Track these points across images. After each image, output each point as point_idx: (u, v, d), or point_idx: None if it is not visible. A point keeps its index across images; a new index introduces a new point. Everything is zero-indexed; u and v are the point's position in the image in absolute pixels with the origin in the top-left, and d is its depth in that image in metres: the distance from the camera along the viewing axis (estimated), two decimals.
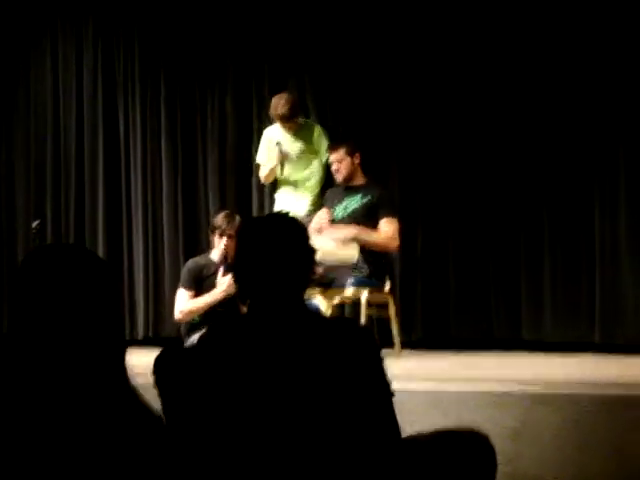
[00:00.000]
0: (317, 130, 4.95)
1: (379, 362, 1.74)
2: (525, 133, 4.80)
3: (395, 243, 4.57)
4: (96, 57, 5.94)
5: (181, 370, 1.74)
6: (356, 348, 1.70)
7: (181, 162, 5.78)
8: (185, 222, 5.75)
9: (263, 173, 5.03)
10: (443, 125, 5.02)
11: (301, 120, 4.96)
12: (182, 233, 5.76)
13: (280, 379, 1.68)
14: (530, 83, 4.76)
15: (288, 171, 4.97)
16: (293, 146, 4.94)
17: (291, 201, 4.95)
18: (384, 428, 1.71)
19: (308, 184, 4.96)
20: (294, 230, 1.78)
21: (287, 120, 4.82)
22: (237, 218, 4.58)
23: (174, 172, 5.80)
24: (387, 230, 4.54)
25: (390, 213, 4.57)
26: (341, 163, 4.66)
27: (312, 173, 4.95)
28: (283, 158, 4.93)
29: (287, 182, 5.01)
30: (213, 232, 4.54)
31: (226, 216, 4.51)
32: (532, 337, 4.69)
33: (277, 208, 4.99)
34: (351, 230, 4.52)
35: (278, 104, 4.81)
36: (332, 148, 4.70)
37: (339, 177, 4.70)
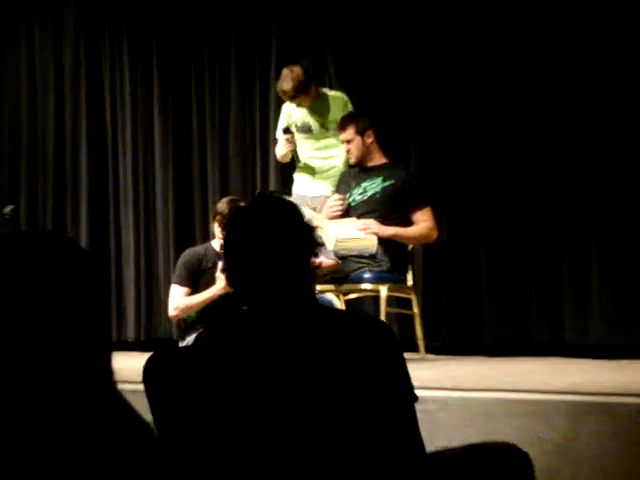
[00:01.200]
0: (340, 100, 4.90)
1: (400, 362, 1.73)
2: (578, 117, 4.75)
3: (436, 234, 4.57)
4: (78, 26, 5.93)
5: (175, 376, 1.73)
6: (374, 346, 1.69)
7: (176, 148, 5.79)
8: (180, 214, 5.76)
9: (278, 152, 5.03)
10: (479, 98, 4.99)
11: (320, 90, 4.93)
12: (176, 225, 5.76)
13: (288, 384, 1.67)
14: (576, 68, 4.75)
15: (308, 149, 4.96)
16: (311, 120, 4.92)
17: (312, 182, 4.94)
18: (405, 438, 1.70)
19: (332, 162, 4.93)
20: (285, 212, 1.75)
21: (291, 98, 4.79)
22: (242, 205, 4.55)
23: (168, 158, 5.81)
24: (425, 220, 4.51)
25: (423, 201, 4.54)
26: (351, 144, 4.62)
27: (334, 147, 4.91)
28: (294, 143, 4.91)
29: (308, 160, 5.00)
30: (214, 219, 4.49)
31: (230, 201, 4.50)
32: (577, 341, 4.67)
33: (296, 190, 4.97)
34: (386, 229, 4.48)
35: (284, 78, 4.79)
36: (340, 126, 4.66)
37: (351, 159, 4.67)
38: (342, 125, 4.65)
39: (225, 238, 1.77)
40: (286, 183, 5.16)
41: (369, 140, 4.62)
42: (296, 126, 4.95)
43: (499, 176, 4.95)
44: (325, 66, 5.35)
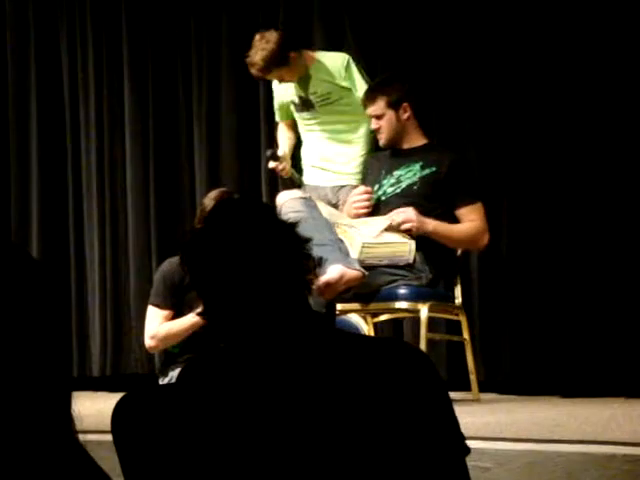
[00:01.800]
0: (339, 60, 4.90)
1: (444, 402, 1.71)
2: None
3: (486, 238, 4.55)
4: None
5: (153, 424, 1.72)
6: (408, 382, 1.67)
7: (155, 128, 5.81)
8: (158, 215, 5.78)
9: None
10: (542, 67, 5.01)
11: (311, 56, 4.91)
12: (155, 228, 5.78)
13: (298, 436, 1.65)
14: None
15: (316, 130, 4.96)
16: (309, 92, 4.92)
17: (327, 170, 4.98)
18: None
19: (350, 144, 4.92)
20: (253, 218, 1.77)
21: (263, 72, 4.78)
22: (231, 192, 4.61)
23: (144, 142, 5.84)
24: (474, 219, 4.49)
25: (473, 195, 4.53)
26: (381, 120, 4.60)
27: (350, 123, 4.91)
28: (286, 169, 4.94)
29: (320, 143, 5.01)
30: (200, 220, 4.52)
31: (218, 195, 4.52)
32: None
33: (308, 181, 5.02)
34: (425, 222, 4.45)
35: (253, 47, 4.77)
36: (367, 97, 4.64)
37: (381, 139, 4.65)
38: (370, 96, 4.64)
39: (187, 266, 1.77)
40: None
41: (405, 115, 4.61)
42: (294, 104, 4.97)
43: (577, 165, 4.95)
44: (342, 32, 5.36)
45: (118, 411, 1.79)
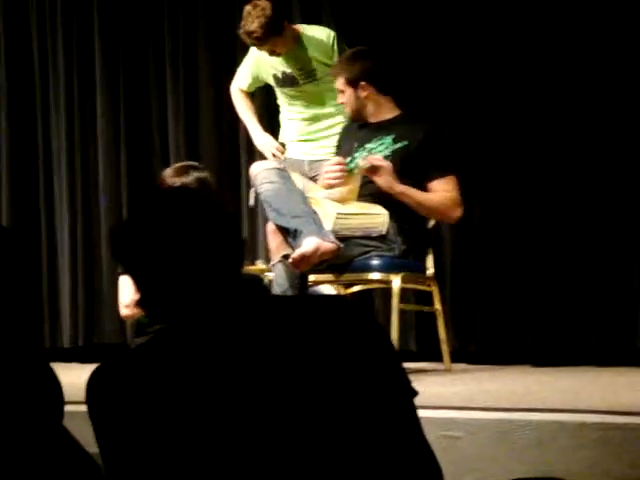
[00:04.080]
0: (324, 34, 4.88)
1: (388, 350, 1.77)
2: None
3: (458, 211, 4.52)
4: None
5: (126, 394, 1.73)
6: (352, 335, 1.73)
7: (127, 100, 5.78)
8: (131, 182, 5.76)
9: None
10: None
11: (297, 30, 4.90)
12: (126, 198, 5.77)
13: (262, 397, 1.69)
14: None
15: (298, 105, 4.94)
16: (293, 68, 4.89)
17: (308, 143, 4.96)
18: (407, 443, 1.73)
19: (331, 118, 4.91)
20: (189, 200, 1.80)
21: (260, 41, 4.76)
22: (195, 175, 4.58)
23: (116, 114, 5.80)
24: (447, 190, 4.48)
25: (446, 167, 4.52)
26: (343, 96, 4.60)
27: (332, 99, 4.89)
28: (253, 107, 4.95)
29: (299, 119, 4.99)
30: None
31: (177, 171, 4.48)
32: None
33: (289, 154, 5.01)
34: (396, 183, 4.45)
35: (247, 17, 4.75)
36: (332, 74, 4.66)
37: (347, 113, 4.67)
38: (334, 70, 4.67)
39: (118, 255, 1.80)
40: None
41: (363, 93, 4.57)
42: (276, 79, 4.94)
43: (550, 136, 4.96)
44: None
45: (93, 381, 1.79)
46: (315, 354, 1.72)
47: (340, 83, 4.59)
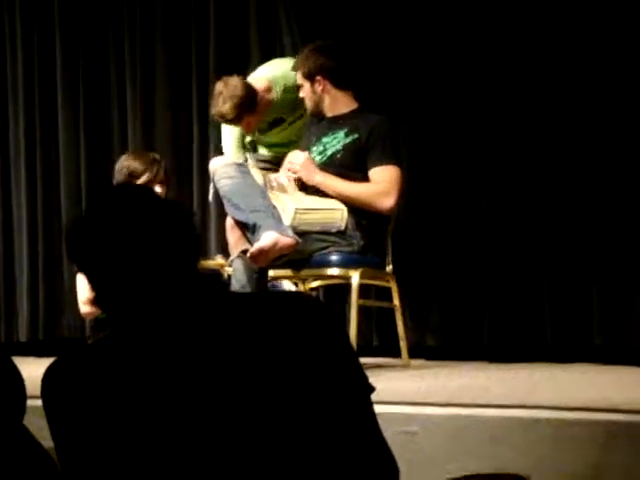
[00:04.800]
0: (283, 78, 4.81)
1: (345, 346, 1.78)
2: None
3: (387, 201, 4.50)
4: None
5: (82, 389, 1.72)
6: (309, 330, 1.74)
7: (86, 95, 5.76)
8: (90, 175, 5.73)
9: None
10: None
11: (263, 97, 4.83)
12: (85, 190, 5.74)
13: (217, 392, 1.69)
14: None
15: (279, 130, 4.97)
16: (280, 111, 4.88)
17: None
18: (364, 439, 1.74)
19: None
20: (141, 199, 1.80)
21: (236, 121, 4.71)
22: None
23: (75, 106, 5.78)
24: (380, 181, 4.49)
25: (384, 157, 4.50)
26: (302, 90, 4.62)
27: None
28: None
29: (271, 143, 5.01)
30: (127, 181, 4.49)
31: (149, 159, 4.49)
32: (607, 343, 4.71)
33: (258, 156, 5.01)
34: (313, 173, 4.47)
35: (217, 96, 4.65)
36: (293, 66, 4.66)
37: (307, 107, 4.68)
38: (293, 66, 4.68)
39: (72, 255, 1.80)
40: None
41: (319, 88, 4.58)
42: (261, 129, 4.93)
43: (506, 132, 4.98)
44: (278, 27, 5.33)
45: (48, 376, 1.79)
46: (271, 350, 1.72)
47: (299, 77, 4.61)
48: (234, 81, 4.67)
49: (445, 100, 5.09)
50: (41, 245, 5.82)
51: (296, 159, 4.54)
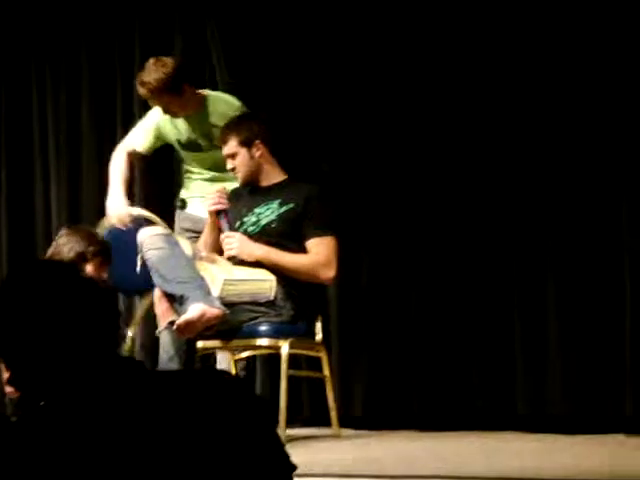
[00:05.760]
0: (232, 105, 4.86)
1: (266, 424, 1.77)
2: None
3: (328, 272, 4.53)
4: None
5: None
6: (229, 410, 1.73)
7: (9, 159, 5.72)
8: (11, 252, 5.67)
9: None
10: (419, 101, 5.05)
11: (202, 94, 4.87)
12: (7, 255, 5.67)
13: (133, 471, 1.67)
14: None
15: (199, 168, 4.94)
16: (197, 134, 4.87)
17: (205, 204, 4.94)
18: None
19: (229, 176, 4.91)
20: (62, 275, 1.78)
21: (151, 93, 4.67)
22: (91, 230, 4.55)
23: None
24: (318, 252, 4.52)
25: (322, 227, 4.55)
26: (235, 159, 4.59)
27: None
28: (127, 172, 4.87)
29: (200, 179, 4.98)
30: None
31: (84, 234, 4.44)
32: (530, 411, 4.74)
33: (189, 210, 4.97)
34: (253, 248, 4.48)
35: (147, 68, 4.68)
36: (221, 139, 4.63)
37: (239, 179, 4.64)
38: (223, 136, 4.62)
39: None
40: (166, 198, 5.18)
41: (258, 153, 4.60)
42: (180, 143, 4.91)
43: (436, 200, 5.01)
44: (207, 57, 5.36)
45: None
46: (191, 429, 1.71)
47: (232, 146, 4.57)
48: (167, 60, 4.71)
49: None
50: None
51: (231, 243, 4.50)
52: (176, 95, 4.71)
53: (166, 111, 4.79)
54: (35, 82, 5.72)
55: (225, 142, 4.60)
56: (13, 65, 5.74)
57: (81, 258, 4.42)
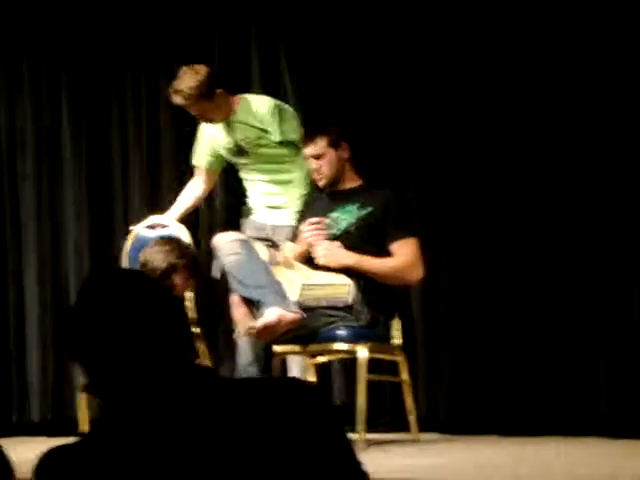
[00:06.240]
0: (267, 103, 4.89)
1: (338, 432, 1.77)
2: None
3: (417, 272, 4.54)
4: None
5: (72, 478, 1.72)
6: (302, 418, 1.73)
7: (89, 156, 5.79)
8: (94, 248, 5.74)
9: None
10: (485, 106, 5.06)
11: (238, 99, 4.92)
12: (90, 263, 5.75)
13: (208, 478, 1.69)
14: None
15: (253, 174, 4.98)
16: (239, 138, 4.92)
17: (270, 209, 4.98)
18: None
19: (288, 186, 4.94)
20: (134, 285, 1.80)
21: (186, 100, 4.76)
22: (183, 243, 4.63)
23: (81, 173, 5.82)
24: (404, 254, 4.50)
25: (405, 229, 4.54)
26: (322, 159, 4.61)
27: (284, 164, 4.93)
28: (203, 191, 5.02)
29: (254, 184, 5.03)
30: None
31: (176, 246, 4.52)
32: (613, 414, 4.67)
33: (253, 217, 5.02)
34: (343, 256, 4.48)
35: (181, 76, 4.77)
36: (306, 139, 4.65)
37: (322, 180, 4.63)
38: (308, 135, 4.64)
39: (66, 345, 1.80)
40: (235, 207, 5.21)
41: (345, 155, 4.62)
42: (230, 151, 4.97)
43: (514, 201, 4.99)
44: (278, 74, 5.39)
45: (41, 466, 1.78)
46: (263, 438, 1.71)
47: (321, 147, 4.56)
48: (200, 67, 4.79)
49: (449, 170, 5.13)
50: (49, 324, 5.82)
51: (320, 250, 4.50)
52: (209, 101, 4.79)
53: (203, 118, 4.87)
54: (114, 80, 5.80)
55: (312, 142, 4.59)
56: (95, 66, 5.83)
57: (172, 269, 4.52)
